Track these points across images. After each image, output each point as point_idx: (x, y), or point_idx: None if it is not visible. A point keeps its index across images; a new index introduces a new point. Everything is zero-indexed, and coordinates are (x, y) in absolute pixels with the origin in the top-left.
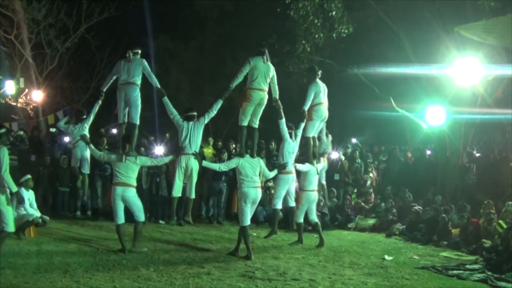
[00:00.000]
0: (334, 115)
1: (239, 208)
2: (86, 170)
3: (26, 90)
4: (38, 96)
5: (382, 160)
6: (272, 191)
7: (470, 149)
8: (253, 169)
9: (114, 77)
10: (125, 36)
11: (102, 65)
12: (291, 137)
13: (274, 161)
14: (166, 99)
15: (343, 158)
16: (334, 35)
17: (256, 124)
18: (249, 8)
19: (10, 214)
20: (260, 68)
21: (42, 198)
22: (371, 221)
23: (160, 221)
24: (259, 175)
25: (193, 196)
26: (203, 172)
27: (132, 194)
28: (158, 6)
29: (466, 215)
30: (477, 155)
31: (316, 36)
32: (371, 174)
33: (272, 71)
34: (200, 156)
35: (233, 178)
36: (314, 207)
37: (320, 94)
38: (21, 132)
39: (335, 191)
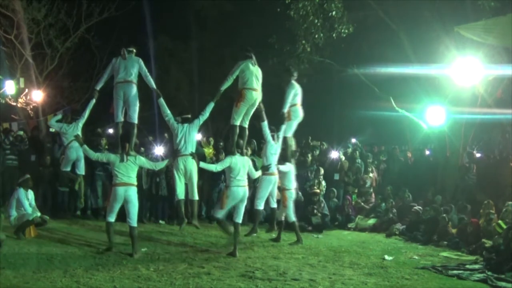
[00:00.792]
0: (334, 115)
1: (224, 203)
2: (81, 171)
3: (26, 90)
4: (38, 96)
5: (382, 160)
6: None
7: (470, 149)
8: (243, 168)
9: (109, 76)
10: (125, 36)
11: (102, 65)
12: (273, 139)
13: None
14: (161, 101)
15: (343, 158)
16: (334, 35)
17: (246, 124)
18: (249, 8)
19: None
20: (251, 69)
21: (42, 198)
22: (371, 221)
23: (160, 221)
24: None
25: (196, 197)
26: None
27: (134, 193)
28: (158, 6)
29: (466, 215)
30: (477, 155)
31: (316, 36)
32: (371, 174)
33: (261, 74)
34: (197, 157)
35: None
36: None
37: (297, 95)
38: (21, 132)
39: (335, 191)
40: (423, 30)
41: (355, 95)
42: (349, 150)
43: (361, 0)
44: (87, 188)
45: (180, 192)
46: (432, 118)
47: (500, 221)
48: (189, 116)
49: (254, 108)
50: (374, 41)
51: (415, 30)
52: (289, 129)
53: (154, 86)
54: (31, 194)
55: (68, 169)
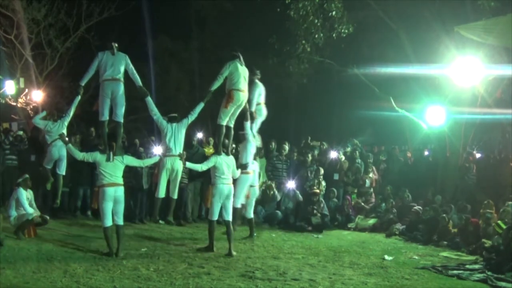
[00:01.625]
0: (334, 115)
1: (211, 202)
2: (62, 171)
3: (26, 90)
4: (38, 96)
5: (382, 160)
6: (272, 192)
7: (470, 149)
8: (228, 167)
9: (94, 71)
10: (125, 36)
11: None
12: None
13: (274, 161)
14: (149, 99)
15: (342, 158)
16: (334, 35)
17: (232, 124)
18: (249, 8)
19: None
20: (239, 70)
21: (42, 198)
22: (371, 221)
23: (160, 221)
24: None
25: (176, 196)
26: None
27: (122, 193)
28: (158, 6)
29: (466, 215)
30: (478, 155)
31: (316, 36)
32: (371, 174)
33: (247, 74)
34: (197, 156)
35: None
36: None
37: (261, 95)
38: (21, 132)
39: (335, 191)
40: (423, 30)
41: (355, 95)
42: (348, 149)
43: (361, 0)
44: (87, 188)
45: (162, 191)
46: (432, 118)
47: (500, 221)
48: (176, 115)
49: (240, 109)
50: (374, 41)
51: (415, 30)
52: (255, 127)
53: (141, 84)
54: (31, 194)
55: (50, 166)
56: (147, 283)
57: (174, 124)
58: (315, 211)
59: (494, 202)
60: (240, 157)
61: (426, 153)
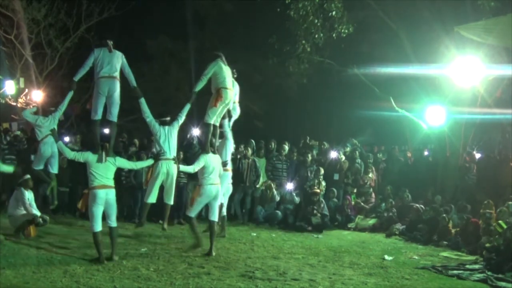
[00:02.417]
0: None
1: (195, 201)
2: (55, 169)
3: (26, 90)
4: (38, 96)
5: (381, 160)
6: (272, 192)
7: (470, 149)
8: (216, 167)
9: (89, 67)
10: (125, 36)
11: None
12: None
13: (274, 161)
14: (143, 100)
15: (342, 158)
16: (334, 35)
17: (218, 122)
18: (249, 8)
19: None
20: (225, 70)
21: (42, 198)
22: (371, 221)
23: (160, 221)
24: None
25: (171, 202)
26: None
27: (114, 196)
28: (158, 6)
29: (466, 215)
30: (478, 155)
31: (316, 36)
32: (370, 174)
33: (231, 73)
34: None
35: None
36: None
37: (236, 94)
38: (19, 132)
39: (335, 191)
40: (423, 30)
41: (355, 95)
42: (348, 149)
43: (361, 0)
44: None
45: (153, 196)
46: (432, 118)
47: (500, 221)
48: (168, 118)
49: (227, 107)
50: (374, 41)
51: (415, 30)
52: (228, 124)
53: (135, 84)
54: (31, 194)
55: (41, 167)
56: (147, 283)
57: (166, 127)
58: (315, 211)
59: (494, 202)
60: (219, 155)
61: (426, 153)
